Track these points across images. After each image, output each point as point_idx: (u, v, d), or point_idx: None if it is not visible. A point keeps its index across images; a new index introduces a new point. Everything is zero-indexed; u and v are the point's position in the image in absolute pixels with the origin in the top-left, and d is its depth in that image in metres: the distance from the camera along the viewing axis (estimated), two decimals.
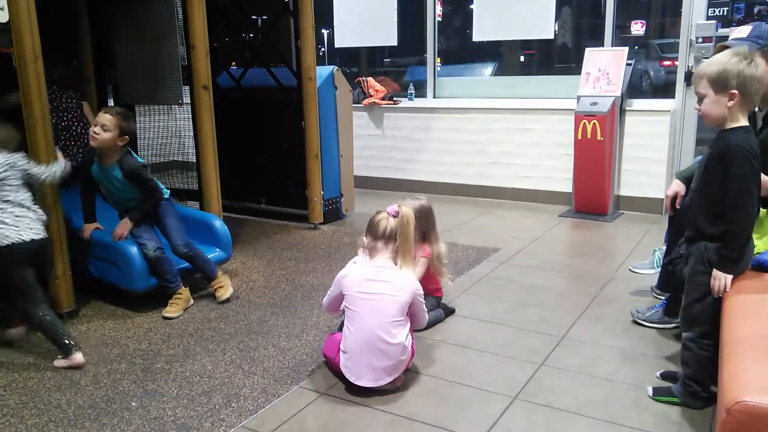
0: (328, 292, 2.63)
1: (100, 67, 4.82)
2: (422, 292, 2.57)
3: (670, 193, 2.98)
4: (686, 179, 2.94)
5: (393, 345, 2.43)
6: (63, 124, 4.14)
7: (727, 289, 2.18)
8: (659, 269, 3.59)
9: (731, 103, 2.10)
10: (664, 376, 2.56)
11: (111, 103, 4.96)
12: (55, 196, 3.10)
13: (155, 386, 2.58)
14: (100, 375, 2.68)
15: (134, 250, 3.24)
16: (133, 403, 2.45)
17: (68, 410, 2.41)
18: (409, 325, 2.53)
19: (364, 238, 2.58)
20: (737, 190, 2.11)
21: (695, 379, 2.30)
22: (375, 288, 2.46)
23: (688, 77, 5.00)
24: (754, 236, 2.41)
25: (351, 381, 2.47)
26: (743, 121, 2.14)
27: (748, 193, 2.11)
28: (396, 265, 2.53)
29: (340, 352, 2.50)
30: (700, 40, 4.80)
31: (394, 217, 2.51)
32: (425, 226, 3.09)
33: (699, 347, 2.28)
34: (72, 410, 2.41)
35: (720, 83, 2.11)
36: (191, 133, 4.15)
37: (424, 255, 3.06)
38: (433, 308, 3.11)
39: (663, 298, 3.13)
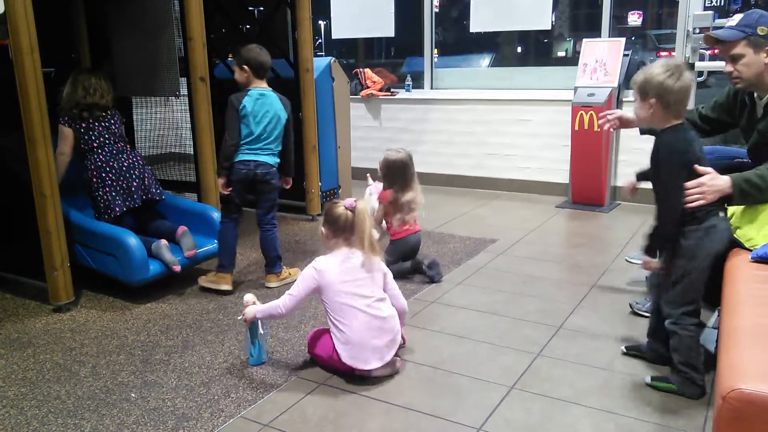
0: (292, 293, 2.52)
1: (96, 58, 4.80)
2: (389, 270, 2.66)
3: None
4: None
5: (385, 318, 2.52)
6: (126, 164, 3.53)
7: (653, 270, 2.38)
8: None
9: (651, 110, 2.28)
10: (629, 348, 2.66)
11: None
12: (53, 189, 3.11)
13: (154, 377, 2.59)
14: (99, 366, 2.69)
15: (133, 240, 3.24)
16: (133, 394, 2.46)
17: (67, 401, 2.42)
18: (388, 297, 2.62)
19: (322, 228, 2.64)
20: (663, 185, 2.29)
21: (687, 364, 2.32)
22: (352, 275, 2.50)
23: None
24: (751, 228, 2.43)
25: (360, 368, 2.48)
26: (676, 121, 2.27)
27: (671, 189, 2.25)
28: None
29: (339, 349, 2.50)
30: (697, 30, 4.79)
31: (351, 211, 2.54)
32: (402, 176, 3.56)
33: (682, 329, 2.31)
34: (71, 401, 2.42)
35: (643, 91, 2.29)
36: (188, 125, 4.15)
37: (380, 200, 3.50)
38: (395, 258, 3.57)
39: None
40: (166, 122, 5.81)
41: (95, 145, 3.46)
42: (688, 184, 2.25)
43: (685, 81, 2.24)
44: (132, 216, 3.54)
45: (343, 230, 2.55)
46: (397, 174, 3.55)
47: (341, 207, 2.57)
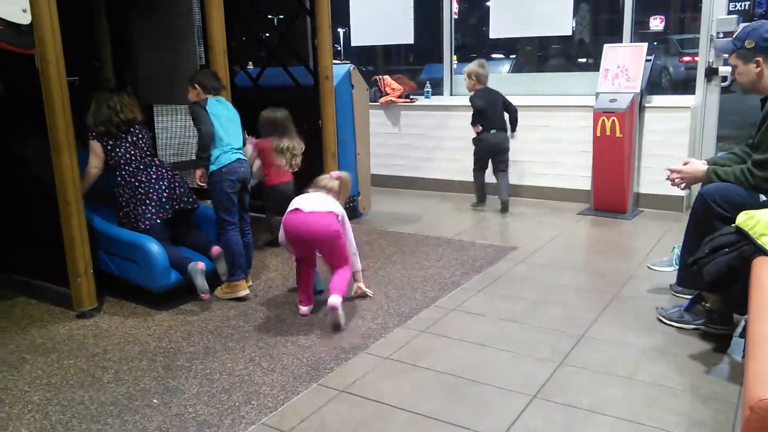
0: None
1: (119, 67, 4.86)
2: (345, 213, 3.29)
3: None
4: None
5: (324, 215, 3.12)
6: (154, 176, 3.58)
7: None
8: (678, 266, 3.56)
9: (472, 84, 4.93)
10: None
11: None
12: (77, 196, 3.15)
13: (176, 383, 2.60)
14: (121, 372, 2.71)
15: (155, 247, 3.27)
16: (155, 400, 2.48)
17: (91, 407, 2.44)
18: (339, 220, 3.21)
19: (309, 190, 3.36)
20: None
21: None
22: (308, 197, 3.24)
23: (709, 73, 4.94)
24: None
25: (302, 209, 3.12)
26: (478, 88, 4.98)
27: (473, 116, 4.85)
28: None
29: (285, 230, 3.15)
30: (721, 35, 4.73)
31: (336, 180, 3.34)
32: (276, 129, 4.29)
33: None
34: (95, 407, 2.44)
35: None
36: None
37: (258, 147, 4.26)
38: (269, 203, 4.41)
39: (688, 298, 3.10)
40: (187, 130, 5.86)
41: (122, 161, 3.53)
42: (671, 168, 2.98)
43: (484, 69, 4.84)
44: (166, 226, 3.57)
45: (323, 188, 3.31)
46: (269, 127, 4.28)
47: (328, 176, 3.37)
